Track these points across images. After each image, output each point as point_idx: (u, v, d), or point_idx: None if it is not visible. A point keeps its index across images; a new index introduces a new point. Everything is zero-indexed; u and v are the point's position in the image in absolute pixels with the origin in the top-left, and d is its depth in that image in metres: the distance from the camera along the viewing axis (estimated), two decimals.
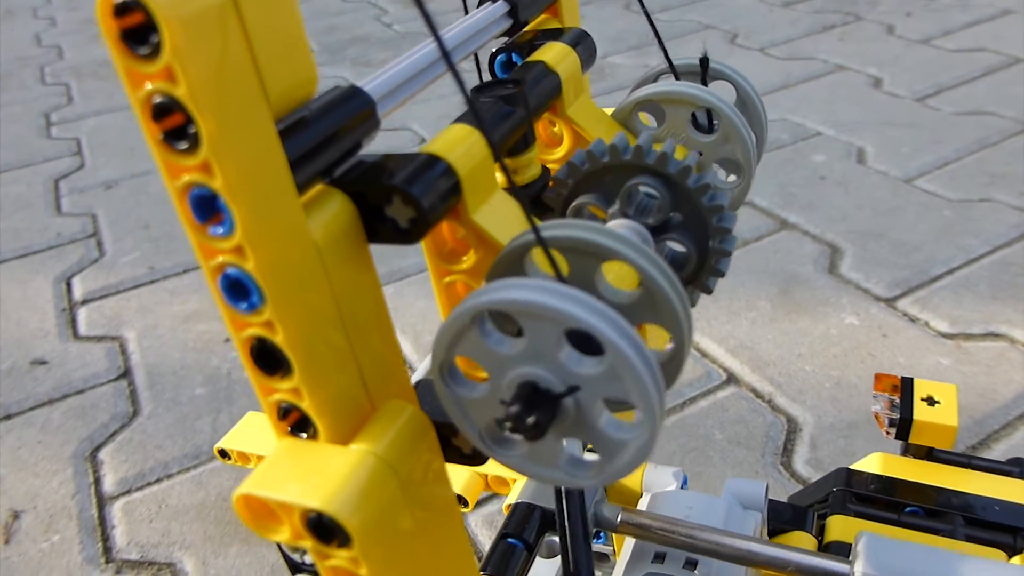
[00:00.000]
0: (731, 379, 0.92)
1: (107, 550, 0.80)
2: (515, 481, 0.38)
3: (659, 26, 1.90)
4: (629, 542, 0.35)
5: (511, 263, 0.20)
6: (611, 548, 0.40)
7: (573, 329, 0.17)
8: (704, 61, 0.31)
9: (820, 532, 0.46)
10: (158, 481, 0.87)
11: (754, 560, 0.30)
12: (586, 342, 0.17)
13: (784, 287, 1.07)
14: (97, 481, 0.88)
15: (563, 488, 0.29)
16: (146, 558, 0.79)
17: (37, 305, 1.19)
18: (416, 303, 1.11)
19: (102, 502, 0.86)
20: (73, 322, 1.14)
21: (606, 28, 2.03)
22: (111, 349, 1.08)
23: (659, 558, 0.33)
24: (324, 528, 0.17)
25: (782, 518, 0.45)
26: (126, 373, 1.03)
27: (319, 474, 0.17)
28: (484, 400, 0.20)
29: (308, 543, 0.17)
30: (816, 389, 0.90)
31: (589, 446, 0.19)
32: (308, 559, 0.20)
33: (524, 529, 0.32)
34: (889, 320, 0.99)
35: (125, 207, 1.44)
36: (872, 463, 0.46)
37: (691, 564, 0.33)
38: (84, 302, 1.18)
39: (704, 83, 0.31)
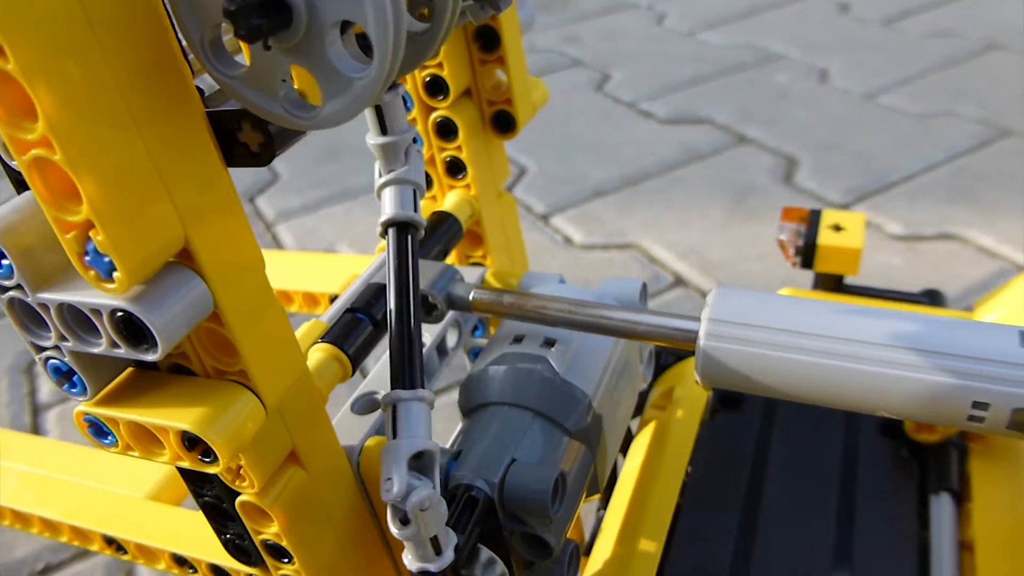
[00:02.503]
0: (679, 281, 0.91)
1: None
2: None
3: None
4: (498, 332, 0.33)
5: None
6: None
7: None
8: None
9: None
10: None
11: (604, 326, 0.28)
12: None
13: (738, 197, 1.05)
14: (32, 392, 0.87)
15: (394, 254, 0.27)
16: None
17: None
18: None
19: (36, 411, 0.84)
20: None
21: None
22: None
23: (518, 340, 0.31)
24: None
25: (678, 352, 0.44)
26: None
27: None
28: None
29: None
30: (763, 287, 0.88)
31: None
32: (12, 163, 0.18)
33: (372, 307, 0.30)
34: None
35: None
36: None
37: (550, 343, 0.31)
38: None
39: None
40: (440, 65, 0.34)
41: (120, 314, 0.19)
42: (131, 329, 0.19)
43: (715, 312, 0.26)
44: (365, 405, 0.31)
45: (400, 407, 0.24)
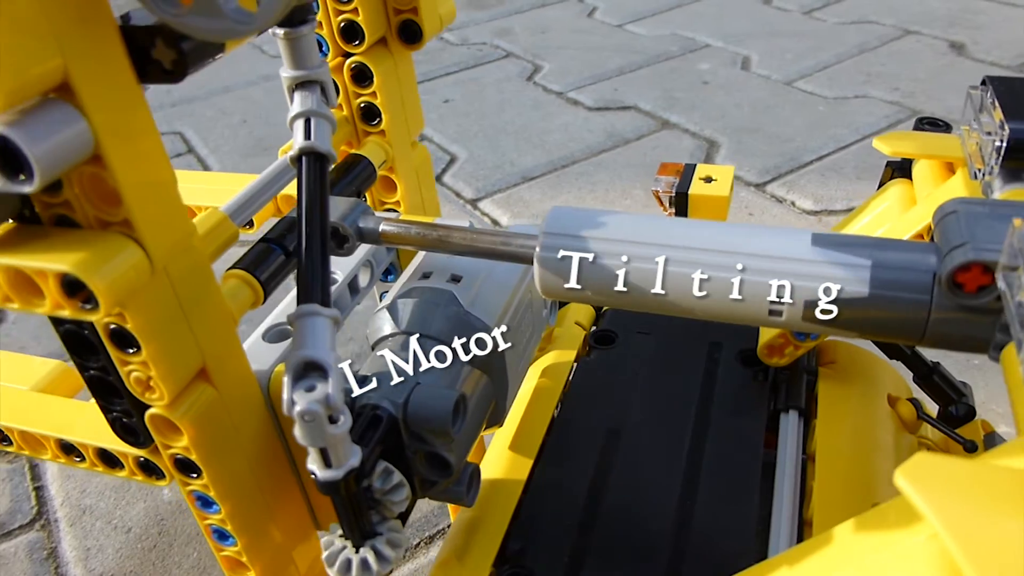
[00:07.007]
0: None
1: None
2: None
3: None
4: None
5: None
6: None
7: None
8: None
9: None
10: None
11: (474, 247, 0.30)
12: None
13: None
14: None
15: (306, 181, 0.29)
16: None
17: None
18: None
19: None
20: None
21: None
22: None
23: (426, 276, 0.33)
24: None
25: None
26: None
27: None
28: None
29: None
30: None
31: None
32: None
33: (285, 238, 0.31)
34: (757, 201, 1.01)
35: None
36: None
37: (456, 279, 0.33)
38: None
39: None
40: (356, 11, 0.35)
41: None
42: (7, 158, 0.19)
43: (549, 226, 0.28)
44: (275, 335, 0.32)
45: (302, 321, 0.25)
